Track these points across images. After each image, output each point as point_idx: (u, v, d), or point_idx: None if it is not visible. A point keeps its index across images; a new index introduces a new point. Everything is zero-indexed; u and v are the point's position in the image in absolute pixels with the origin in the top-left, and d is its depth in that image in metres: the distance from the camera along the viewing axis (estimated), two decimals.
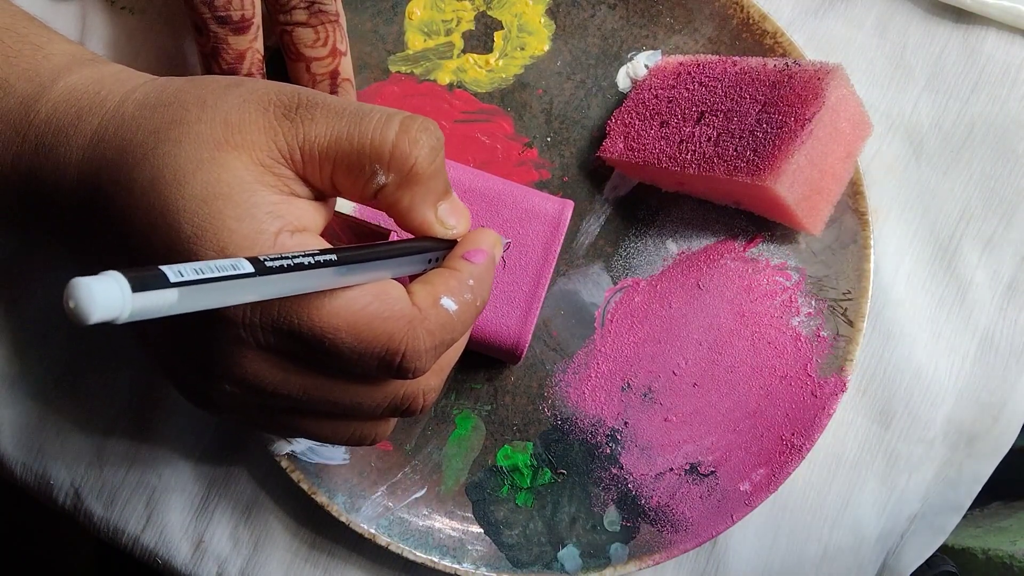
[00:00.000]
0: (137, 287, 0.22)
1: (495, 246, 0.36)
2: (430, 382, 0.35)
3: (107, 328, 0.23)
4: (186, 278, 0.24)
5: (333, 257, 0.29)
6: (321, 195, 0.33)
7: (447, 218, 0.35)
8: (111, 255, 0.32)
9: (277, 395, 0.32)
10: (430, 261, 0.35)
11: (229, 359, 0.31)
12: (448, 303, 0.32)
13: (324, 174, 0.32)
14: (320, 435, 0.35)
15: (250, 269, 0.26)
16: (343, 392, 0.33)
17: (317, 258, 0.28)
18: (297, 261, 0.27)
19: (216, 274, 0.25)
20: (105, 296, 0.21)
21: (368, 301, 0.30)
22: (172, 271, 0.23)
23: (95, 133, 0.32)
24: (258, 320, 0.30)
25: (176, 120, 0.31)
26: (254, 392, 0.32)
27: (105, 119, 0.32)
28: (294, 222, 0.31)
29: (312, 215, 0.32)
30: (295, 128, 0.31)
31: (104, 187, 0.31)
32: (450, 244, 0.35)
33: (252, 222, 0.30)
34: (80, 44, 0.38)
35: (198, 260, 0.29)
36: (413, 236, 0.35)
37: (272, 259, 0.27)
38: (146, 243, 0.30)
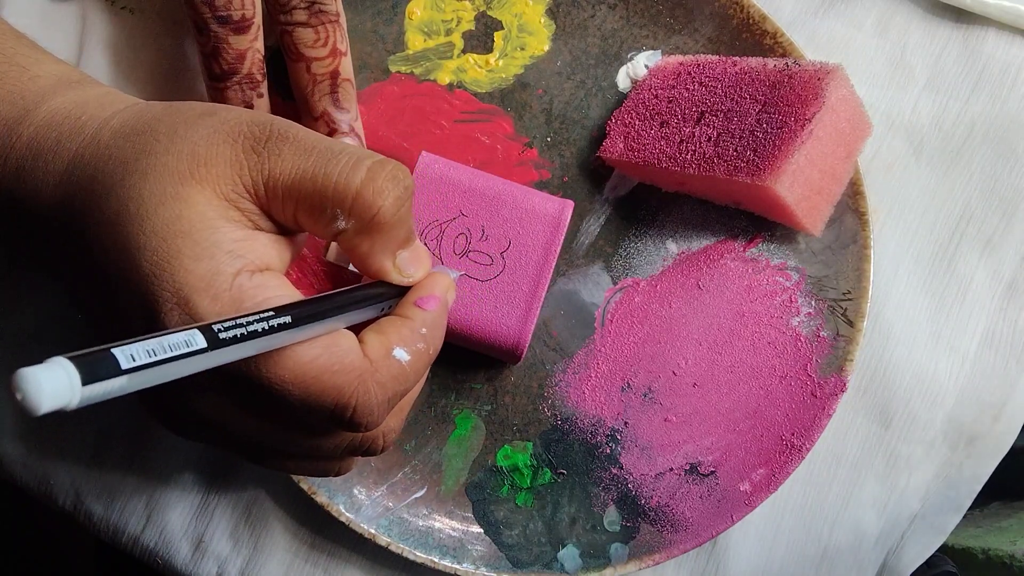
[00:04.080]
0: (87, 378, 0.22)
1: (448, 291, 0.36)
2: (389, 424, 0.34)
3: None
4: (138, 363, 0.23)
5: (287, 319, 0.28)
6: (287, 231, 0.33)
7: (406, 267, 0.34)
8: (82, 282, 0.32)
9: (233, 433, 0.32)
10: (382, 309, 0.34)
11: (183, 397, 0.31)
12: (401, 354, 0.32)
13: (287, 211, 0.31)
14: (282, 468, 0.35)
15: (203, 345, 0.25)
16: (298, 437, 0.32)
17: (272, 322, 0.27)
18: (251, 329, 0.27)
19: (168, 354, 0.24)
20: (53, 387, 0.21)
21: (317, 354, 0.30)
22: (124, 356, 0.23)
23: (72, 160, 0.32)
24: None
25: (145, 151, 0.30)
26: (211, 428, 0.32)
27: (82, 146, 0.32)
28: (256, 261, 0.30)
29: (276, 252, 0.32)
30: (261, 163, 0.31)
31: (76, 216, 0.31)
32: (404, 289, 0.35)
33: (211, 262, 0.29)
34: (68, 64, 0.37)
35: (154, 299, 0.28)
36: (369, 281, 0.35)
37: (227, 328, 0.26)
38: (109, 276, 0.30)
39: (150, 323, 0.29)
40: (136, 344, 0.23)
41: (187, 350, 0.25)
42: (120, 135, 0.32)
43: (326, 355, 0.30)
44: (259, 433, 0.32)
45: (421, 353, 0.33)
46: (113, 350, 0.23)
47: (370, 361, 0.31)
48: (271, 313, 0.28)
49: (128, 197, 0.30)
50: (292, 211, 0.31)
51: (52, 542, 0.89)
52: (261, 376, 0.29)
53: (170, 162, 0.30)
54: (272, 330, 0.27)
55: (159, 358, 0.24)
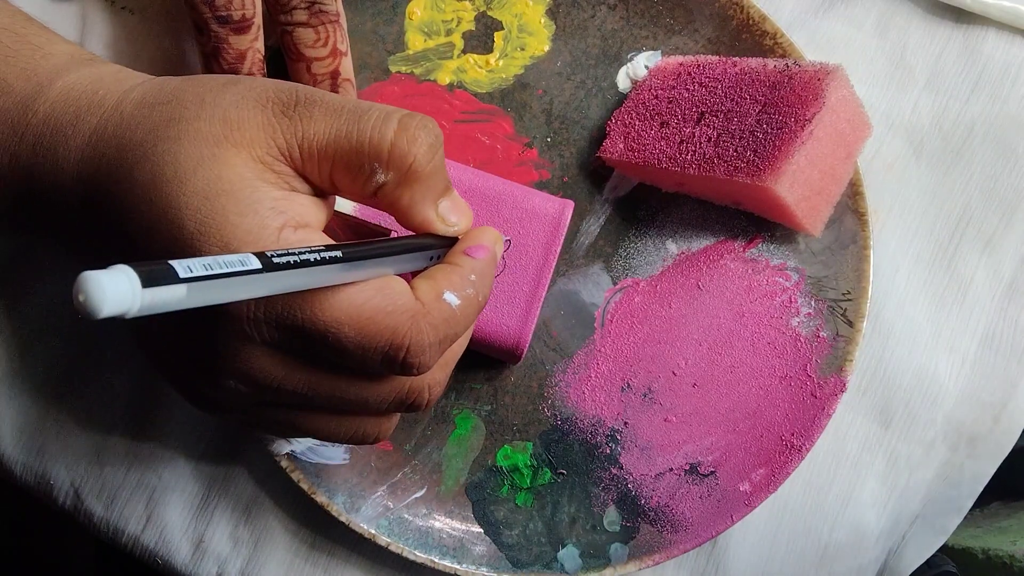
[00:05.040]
0: (147, 282, 0.22)
1: (496, 243, 0.36)
2: (435, 376, 0.35)
3: (111, 323, 0.23)
4: (195, 274, 0.24)
5: (339, 254, 0.29)
6: (321, 192, 0.33)
7: (448, 215, 0.35)
8: (113, 253, 0.32)
9: (281, 391, 0.32)
10: (432, 258, 0.35)
11: (233, 355, 0.31)
12: (451, 298, 0.32)
13: (323, 172, 0.32)
14: (323, 432, 0.35)
15: (258, 265, 0.26)
16: (348, 386, 0.33)
17: (323, 254, 0.28)
18: (304, 257, 0.27)
19: (224, 270, 0.25)
20: (115, 291, 0.21)
21: (371, 295, 0.30)
22: (181, 266, 0.23)
23: (94, 132, 0.32)
24: (262, 315, 0.30)
25: (174, 118, 0.31)
26: (258, 388, 0.32)
27: (104, 118, 0.32)
28: (296, 218, 0.31)
29: (313, 211, 0.33)
30: (293, 125, 0.31)
31: (104, 186, 0.31)
32: (451, 241, 0.36)
33: (255, 217, 0.30)
34: (79, 45, 0.38)
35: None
36: (415, 233, 0.35)
37: (279, 255, 0.27)
38: (149, 240, 0.30)
39: None
40: (193, 259, 0.24)
41: (242, 268, 0.25)
42: (144, 105, 0.32)
43: (379, 296, 0.31)
44: (307, 387, 0.32)
45: (470, 299, 0.33)
46: (170, 261, 0.23)
47: (422, 303, 0.32)
48: (322, 247, 0.29)
49: (163, 162, 0.30)
50: (328, 171, 0.32)
51: (52, 542, 0.89)
52: (317, 319, 0.30)
53: (202, 127, 0.31)
54: (324, 262, 0.28)
55: (215, 272, 0.24)
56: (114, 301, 0.21)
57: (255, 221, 0.30)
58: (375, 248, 0.31)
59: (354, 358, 0.31)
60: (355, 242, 0.31)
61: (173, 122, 0.31)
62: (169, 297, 0.23)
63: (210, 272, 0.24)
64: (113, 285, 0.21)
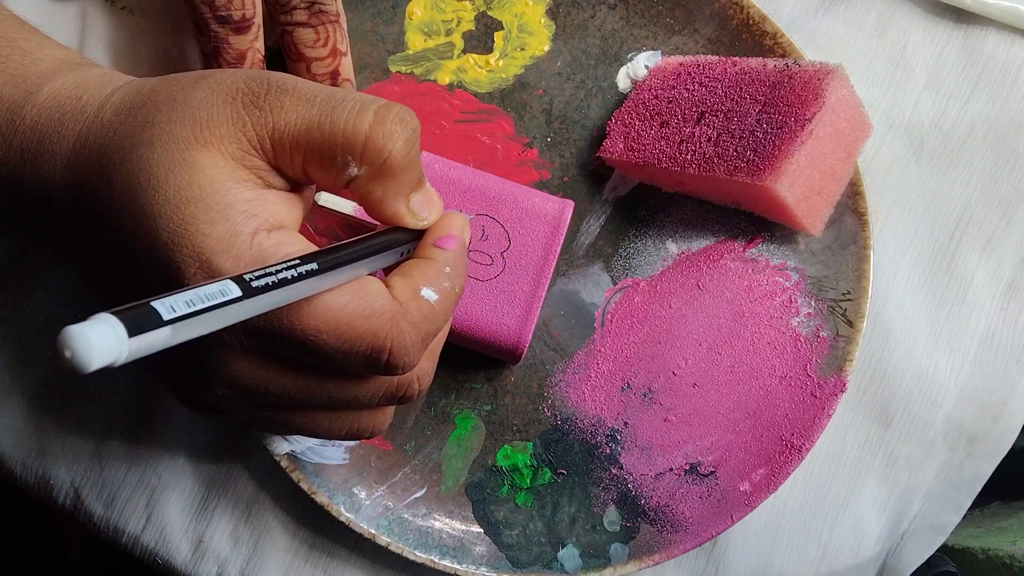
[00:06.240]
0: (132, 330, 0.22)
1: (464, 229, 0.36)
2: (423, 367, 0.34)
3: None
4: (178, 313, 0.23)
5: (314, 265, 0.28)
6: (297, 185, 0.33)
7: (420, 210, 0.34)
8: (99, 261, 0.32)
9: (270, 394, 0.32)
10: (402, 253, 0.35)
11: (219, 363, 0.31)
12: (428, 294, 0.32)
13: (296, 163, 0.31)
14: (318, 430, 0.35)
15: (238, 293, 0.25)
16: (336, 386, 0.33)
17: (299, 269, 0.28)
18: (281, 276, 0.27)
19: (206, 304, 0.24)
20: (102, 343, 0.21)
21: (347, 300, 0.30)
22: (164, 307, 0.23)
23: (77, 139, 0.32)
24: (241, 326, 0.29)
25: (149, 121, 0.31)
26: (247, 393, 0.32)
27: (86, 125, 0.32)
28: (270, 219, 0.30)
29: (288, 209, 0.32)
30: (264, 116, 0.31)
31: (89, 193, 0.31)
32: (420, 233, 0.35)
33: (227, 224, 0.29)
34: (69, 48, 0.37)
35: (176, 266, 0.29)
36: (382, 227, 0.35)
37: (257, 277, 0.26)
38: (128, 249, 0.30)
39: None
40: (174, 296, 0.24)
41: (223, 299, 0.25)
42: (121, 111, 0.32)
43: (356, 301, 0.30)
44: (297, 390, 0.32)
45: (448, 291, 0.33)
46: (152, 303, 0.23)
47: (400, 303, 0.31)
48: (297, 261, 0.28)
49: (138, 169, 0.30)
50: (301, 163, 0.31)
51: (52, 542, 0.89)
52: (296, 329, 0.29)
53: (173, 129, 0.30)
54: (301, 277, 0.28)
55: (198, 308, 0.24)
56: (101, 354, 0.21)
57: (227, 228, 0.29)
58: (348, 253, 0.31)
59: (336, 362, 0.31)
60: (328, 248, 0.30)
61: (148, 126, 0.31)
62: (155, 340, 0.23)
63: (192, 309, 0.24)
64: (99, 338, 0.21)
